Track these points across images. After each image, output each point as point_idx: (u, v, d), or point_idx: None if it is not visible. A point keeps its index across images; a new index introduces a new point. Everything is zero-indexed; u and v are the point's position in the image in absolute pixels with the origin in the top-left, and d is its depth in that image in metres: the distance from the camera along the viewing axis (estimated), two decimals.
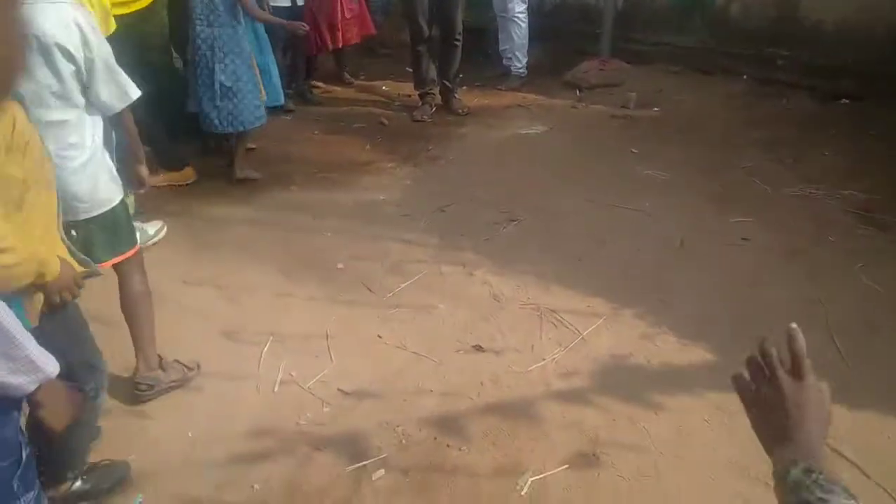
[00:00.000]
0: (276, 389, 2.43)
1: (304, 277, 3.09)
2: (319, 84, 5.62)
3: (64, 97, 1.96)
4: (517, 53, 5.55)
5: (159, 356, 2.42)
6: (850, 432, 2.16)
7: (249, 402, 2.38)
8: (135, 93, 2.09)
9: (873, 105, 4.53)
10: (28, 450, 1.30)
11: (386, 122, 4.96)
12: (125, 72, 2.09)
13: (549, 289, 2.96)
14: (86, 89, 1.99)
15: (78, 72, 1.95)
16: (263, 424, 2.28)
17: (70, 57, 1.91)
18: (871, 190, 3.59)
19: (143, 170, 2.37)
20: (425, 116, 5.01)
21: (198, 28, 3.75)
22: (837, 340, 2.55)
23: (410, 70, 5.20)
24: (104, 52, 1.98)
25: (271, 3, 4.50)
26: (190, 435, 2.24)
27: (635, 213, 3.55)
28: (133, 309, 2.35)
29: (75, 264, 1.66)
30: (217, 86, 3.76)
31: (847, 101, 4.68)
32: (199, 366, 2.52)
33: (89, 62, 1.95)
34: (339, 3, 5.15)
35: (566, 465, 2.09)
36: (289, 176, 4.09)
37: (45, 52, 1.89)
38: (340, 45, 5.36)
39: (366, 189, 3.98)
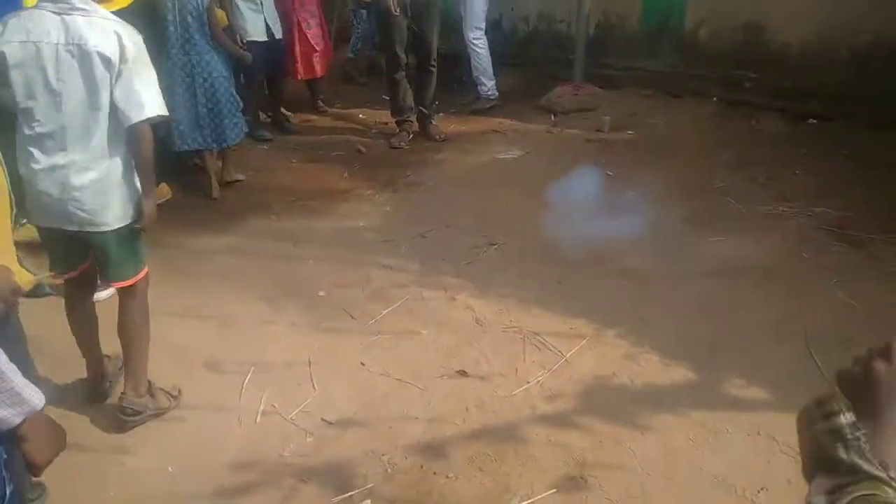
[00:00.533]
0: (258, 420, 2.39)
1: (285, 306, 3.07)
2: (287, 113, 5.60)
3: (95, 107, 2.03)
4: (481, 77, 5.71)
5: (148, 381, 2.40)
6: None
7: (232, 434, 2.34)
8: (152, 109, 2.07)
9: (841, 125, 4.65)
10: (11, 486, 1.26)
11: (364, 149, 4.98)
12: None
13: (531, 311, 2.97)
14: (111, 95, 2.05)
15: (111, 81, 2.02)
16: (246, 457, 2.24)
17: (108, 64, 2.00)
18: (843, 207, 3.67)
19: (148, 203, 2.21)
20: (403, 143, 5.04)
21: (174, 57, 3.89)
22: (815, 356, 2.59)
23: (387, 98, 5.24)
24: (138, 63, 2.04)
25: (248, 38, 4.56)
26: (170, 469, 2.20)
27: (614, 235, 3.57)
28: (131, 333, 2.35)
29: (24, 274, 1.64)
30: (199, 108, 3.95)
31: (815, 122, 4.79)
32: (180, 391, 2.49)
33: (121, 71, 2.01)
34: (299, 36, 5.16)
35: (554, 489, 2.08)
36: (268, 205, 4.09)
37: (85, 59, 1.99)
38: (304, 77, 5.37)
39: (345, 216, 3.98)
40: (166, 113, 2.14)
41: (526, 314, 2.95)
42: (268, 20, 4.74)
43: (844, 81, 4.79)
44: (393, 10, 4.65)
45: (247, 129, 4.22)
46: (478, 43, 5.59)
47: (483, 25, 5.60)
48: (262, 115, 5.30)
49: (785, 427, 2.26)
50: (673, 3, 5.50)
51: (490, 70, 5.68)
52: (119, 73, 2.02)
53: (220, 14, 4.17)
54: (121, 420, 2.34)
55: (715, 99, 5.27)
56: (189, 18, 3.88)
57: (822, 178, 4.04)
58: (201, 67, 3.93)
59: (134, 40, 2.05)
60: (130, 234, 2.22)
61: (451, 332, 2.85)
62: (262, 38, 4.73)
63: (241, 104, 4.17)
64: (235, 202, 4.16)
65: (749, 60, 5.22)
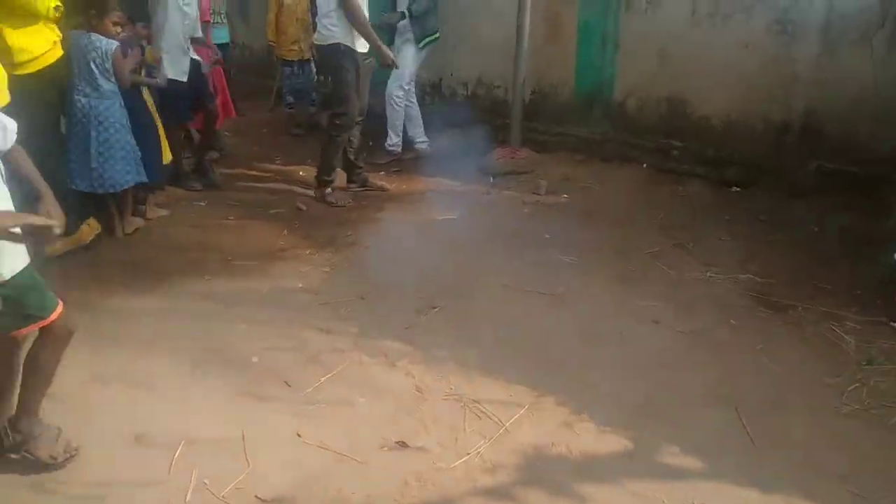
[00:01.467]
0: (188, 499, 2.28)
1: (217, 372, 2.97)
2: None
3: None
4: (390, 131, 5.93)
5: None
6: None
7: None
8: (12, 126, 2.11)
9: (761, 193, 4.92)
10: None
11: (304, 207, 4.94)
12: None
13: (472, 378, 2.97)
14: None
15: None
16: None
17: None
18: (765, 273, 3.85)
19: (50, 206, 2.15)
20: (343, 201, 5.04)
21: (75, 97, 4.02)
22: (745, 422, 2.67)
23: (325, 157, 5.14)
24: None
25: (169, 77, 4.63)
26: None
27: (551, 298, 3.66)
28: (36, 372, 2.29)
29: None
30: (93, 150, 4.00)
31: (738, 189, 5.06)
32: (77, 449, 2.40)
33: None
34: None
35: None
36: (202, 264, 3.98)
37: None
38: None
39: (283, 277, 3.91)
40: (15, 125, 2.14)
41: (466, 380, 2.94)
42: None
43: (761, 152, 5.11)
44: (393, 64, 4.94)
45: (138, 180, 4.23)
46: (396, 99, 5.84)
47: (406, 86, 5.85)
48: (187, 165, 5.23)
49: (718, 497, 2.32)
50: (603, 74, 5.78)
51: (399, 127, 5.95)
52: None
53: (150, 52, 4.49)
54: None
55: (644, 165, 5.52)
56: (92, 64, 3.98)
57: (745, 245, 4.25)
58: (98, 111, 4.02)
59: None
60: (29, 280, 2.15)
61: (391, 401, 2.81)
62: (184, 77, 4.80)
63: (138, 154, 4.21)
64: (167, 261, 4.04)
65: (675, 130, 5.50)
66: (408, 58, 5.73)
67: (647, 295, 3.66)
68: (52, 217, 2.09)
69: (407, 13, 5.58)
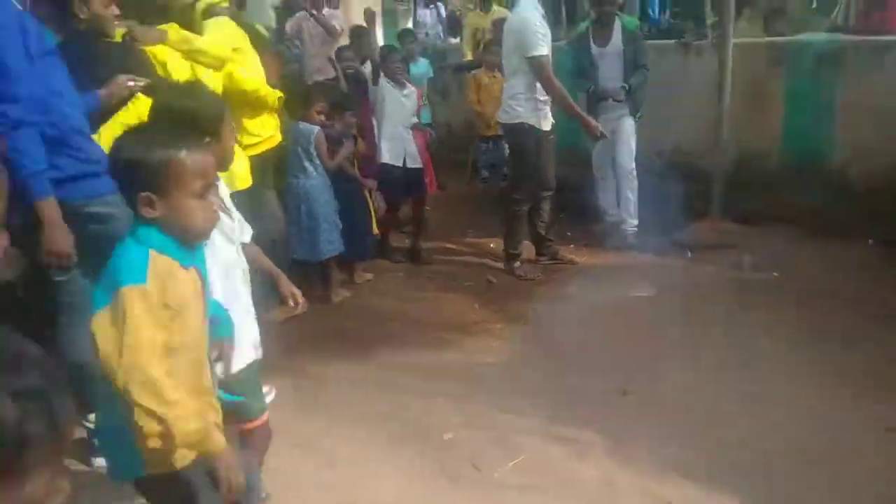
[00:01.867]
0: None
1: (410, 446, 3.05)
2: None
3: None
4: (631, 210, 5.60)
5: None
6: None
7: None
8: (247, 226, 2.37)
9: None
10: None
11: (493, 280, 5.05)
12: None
13: (667, 478, 2.77)
14: None
15: None
16: None
17: None
18: None
19: (286, 284, 2.40)
20: (532, 274, 5.07)
21: (290, 179, 4.62)
22: None
23: (508, 230, 5.17)
24: None
25: (385, 162, 5.21)
26: None
27: (758, 392, 3.34)
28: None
29: None
30: (304, 223, 4.55)
31: None
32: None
33: None
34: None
35: None
36: (401, 335, 4.19)
37: None
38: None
39: (474, 351, 3.98)
40: None
41: (663, 480, 2.75)
42: (406, 147, 5.35)
43: None
44: (600, 134, 5.00)
45: (340, 250, 4.66)
46: (635, 174, 5.54)
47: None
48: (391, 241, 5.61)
49: None
50: (816, 141, 5.32)
51: (637, 204, 5.61)
52: None
53: (360, 144, 5.06)
54: None
55: (871, 241, 4.93)
56: (300, 149, 4.55)
57: None
58: (306, 190, 4.57)
59: None
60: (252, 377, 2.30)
61: (580, 495, 2.70)
62: (398, 161, 5.31)
63: (339, 227, 4.66)
64: (368, 330, 4.30)
65: None
66: (629, 130, 5.54)
67: (876, 398, 3.20)
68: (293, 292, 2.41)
69: (627, 87, 5.54)
